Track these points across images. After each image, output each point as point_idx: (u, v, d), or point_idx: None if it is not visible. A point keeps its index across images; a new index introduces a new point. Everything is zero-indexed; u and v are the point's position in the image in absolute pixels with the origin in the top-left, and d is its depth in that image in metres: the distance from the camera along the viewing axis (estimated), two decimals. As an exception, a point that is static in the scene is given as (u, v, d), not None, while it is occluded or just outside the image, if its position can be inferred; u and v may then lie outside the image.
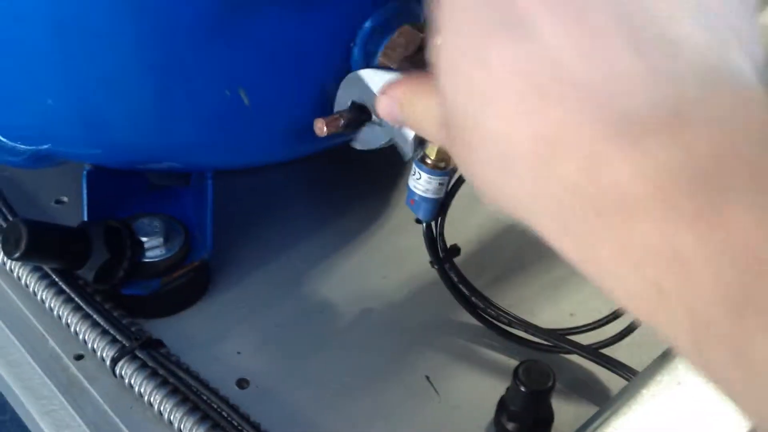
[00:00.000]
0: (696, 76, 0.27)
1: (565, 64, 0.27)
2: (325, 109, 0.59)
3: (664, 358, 0.57)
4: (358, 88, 0.53)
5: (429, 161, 0.62)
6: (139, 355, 0.61)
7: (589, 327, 0.66)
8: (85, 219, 0.66)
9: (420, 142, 0.52)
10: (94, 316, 0.63)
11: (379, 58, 0.59)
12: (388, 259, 0.74)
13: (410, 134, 0.52)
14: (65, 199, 0.76)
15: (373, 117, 0.53)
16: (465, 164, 0.32)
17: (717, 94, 0.27)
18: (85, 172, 0.66)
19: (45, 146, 0.62)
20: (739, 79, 0.27)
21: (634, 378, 0.58)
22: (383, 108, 0.43)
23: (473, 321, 0.69)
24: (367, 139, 0.56)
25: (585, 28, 0.27)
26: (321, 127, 0.52)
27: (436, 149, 0.62)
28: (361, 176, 0.81)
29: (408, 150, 0.53)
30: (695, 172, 0.25)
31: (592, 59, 0.27)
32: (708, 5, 0.28)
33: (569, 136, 0.27)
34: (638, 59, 0.27)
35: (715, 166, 0.25)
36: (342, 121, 0.52)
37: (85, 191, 0.66)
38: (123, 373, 0.61)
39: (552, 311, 0.70)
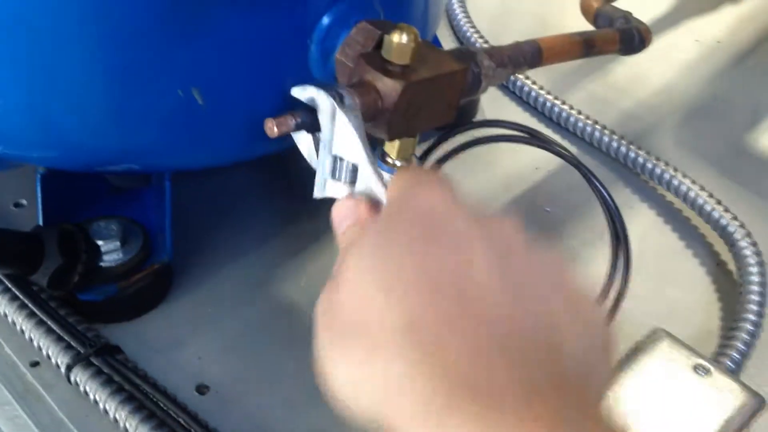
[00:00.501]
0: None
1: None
2: (283, 108, 0.57)
3: (629, 357, 0.56)
4: (308, 92, 0.52)
5: (389, 160, 0.61)
6: (95, 361, 0.59)
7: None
8: (40, 223, 0.65)
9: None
10: (49, 323, 0.61)
11: (337, 55, 0.58)
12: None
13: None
14: (24, 201, 0.75)
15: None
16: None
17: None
18: (38, 176, 0.65)
19: (-4, 149, 0.60)
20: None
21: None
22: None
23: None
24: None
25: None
26: (271, 128, 0.51)
27: (396, 147, 0.61)
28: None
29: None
30: None
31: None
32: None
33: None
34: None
35: None
36: (293, 122, 0.51)
37: (39, 195, 0.65)
38: (78, 380, 0.59)
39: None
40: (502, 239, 0.39)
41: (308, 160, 0.53)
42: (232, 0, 0.53)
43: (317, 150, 0.52)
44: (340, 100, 0.48)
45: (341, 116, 0.48)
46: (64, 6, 0.51)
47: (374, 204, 0.48)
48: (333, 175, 0.50)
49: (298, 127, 0.52)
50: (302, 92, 0.51)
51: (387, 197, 0.47)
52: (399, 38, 0.54)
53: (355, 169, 0.49)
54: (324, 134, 0.51)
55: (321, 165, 0.52)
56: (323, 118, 0.50)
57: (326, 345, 0.39)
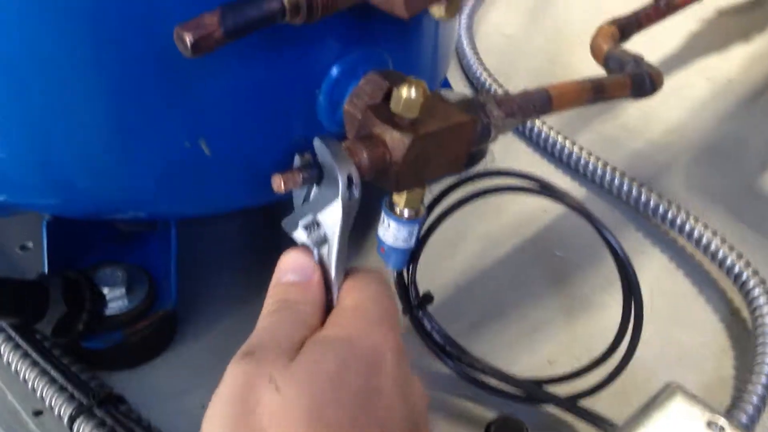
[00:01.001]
0: None
1: None
2: (290, 158, 0.57)
3: (642, 413, 0.55)
4: (325, 157, 0.51)
5: (397, 210, 0.61)
6: (98, 412, 0.59)
7: (566, 377, 0.64)
8: (45, 270, 0.64)
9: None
10: (52, 372, 0.61)
11: (345, 106, 0.58)
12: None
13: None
14: (30, 245, 0.74)
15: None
16: None
17: None
18: (44, 222, 0.64)
19: (0, 198, 0.60)
20: None
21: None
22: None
23: (447, 370, 0.67)
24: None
25: None
26: (279, 184, 0.50)
27: (404, 198, 0.60)
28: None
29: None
30: None
31: None
32: None
33: None
34: None
35: None
36: (300, 177, 0.50)
37: (45, 242, 0.65)
38: (81, 431, 0.59)
39: (530, 359, 0.68)
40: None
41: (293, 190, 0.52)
42: (241, 50, 0.53)
43: (308, 189, 0.51)
44: (348, 185, 0.47)
45: (339, 202, 0.47)
46: (70, 56, 0.51)
47: (326, 285, 0.47)
48: (305, 228, 0.49)
49: (305, 182, 0.51)
50: (319, 150, 0.50)
51: (339, 302, 0.47)
52: (407, 92, 0.54)
53: (324, 241, 0.49)
54: (318, 194, 0.50)
55: (300, 210, 0.51)
56: (325, 186, 0.49)
57: None
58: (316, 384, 0.41)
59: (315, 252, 0.49)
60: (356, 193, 0.48)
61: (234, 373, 0.43)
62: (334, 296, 0.48)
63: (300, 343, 0.44)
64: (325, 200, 0.48)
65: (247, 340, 0.46)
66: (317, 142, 0.50)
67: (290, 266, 0.48)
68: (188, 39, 0.41)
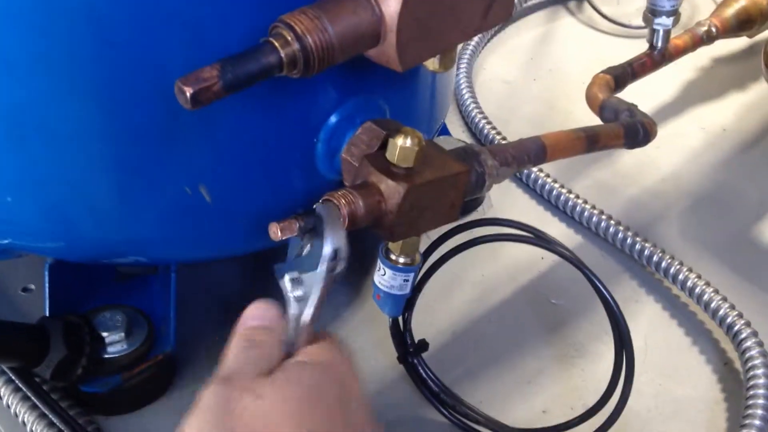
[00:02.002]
0: None
1: None
2: (288, 204, 0.58)
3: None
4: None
5: (393, 257, 0.62)
6: (94, 457, 0.59)
7: (559, 427, 0.64)
8: (47, 313, 0.65)
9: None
10: (50, 416, 0.62)
11: (342, 154, 0.59)
12: (359, 350, 0.73)
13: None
14: (32, 286, 0.75)
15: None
16: None
17: None
18: (47, 265, 0.65)
19: (5, 241, 0.61)
20: None
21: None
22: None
23: (442, 418, 0.67)
24: None
25: None
26: (275, 232, 0.51)
27: (400, 245, 0.61)
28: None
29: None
30: None
31: None
32: None
33: None
34: None
35: None
36: (297, 225, 0.52)
37: (46, 285, 0.65)
38: (77, 476, 0.59)
39: (524, 408, 0.69)
40: None
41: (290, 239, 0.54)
42: (241, 101, 0.54)
43: (303, 243, 0.53)
44: (333, 257, 0.48)
45: (322, 272, 0.49)
46: (73, 106, 0.52)
47: (286, 342, 0.48)
48: (290, 281, 0.50)
49: (302, 231, 0.52)
50: (318, 215, 0.51)
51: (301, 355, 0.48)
52: (403, 142, 0.55)
53: (303, 299, 0.50)
54: (308, 253, 0.51)
55: (290, 262, 0.52)
56: (316, 249, 0.50)
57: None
58: (297, 391, 0.43)
59: (292, 304, 0.49)
60: (340, 267, 0.49)
61: (212, 391, 0.44)
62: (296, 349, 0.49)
63: (269, 373, 0.45)
64: (312, 263, 0.49)
65: (216, 372, 0.47)
66: (319, 207, 0.52)
67: (256, 315, 0.50)
68: (188, 92, 0.43)
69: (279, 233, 0.52)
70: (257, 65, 0.44)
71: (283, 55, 0.45)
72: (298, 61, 0.45)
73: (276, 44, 0.44)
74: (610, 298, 0.60)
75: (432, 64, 0.53)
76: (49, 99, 0.52)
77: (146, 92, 0.51)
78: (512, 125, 0.99)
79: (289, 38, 0.45)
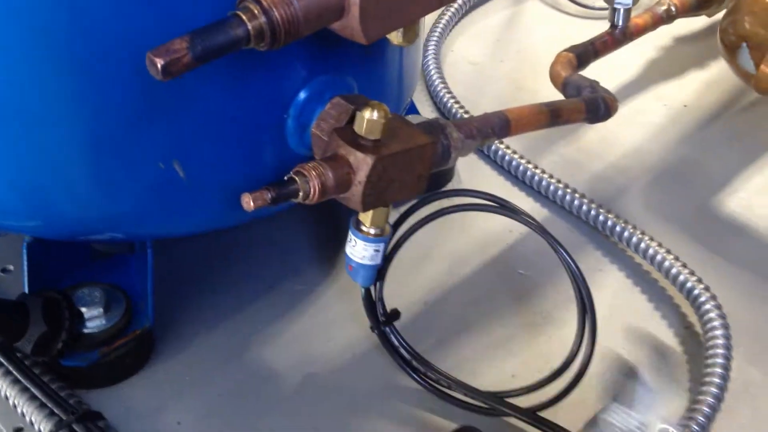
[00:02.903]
0: None
1: None
2: (260, 179, 0.60)
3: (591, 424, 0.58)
4: None
5: (364, 228, 0.64)
6: (76, 428, 0.61)
7: (527, 389, 0.66)
8: (26, 290, 0.67)
9: None
10: (32, 390, 0.63)
11: (312, 129, 0.61)
12: (333, 322, 0.75)
13: None
14: (11, 267, 0.76)
15: None
16: None
17: None
18: (25, 244, 0.67)
19: (-19, 220, 0.62)
20: None
21: (566, 441, 0.59)
22: None
23: (414, 384, 0.69)
24: None
25: None
26: (248, 202, 0.53)
27: (370, 217, 0.63)
28: (305, 242, 0.82)
29: None
30: None
31: None
32: None
33: None
34: None
35: None
36: (269, 196, 0.53)
37: (25, 263, 0.67)
38: (60, 446, 0.61)
39: (494, 373, 0.71)
40: None
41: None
42: (213, 78, 0.56)
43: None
44: None
45: None
46: (49, 85, 0.54)
47: None
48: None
49: (273, 201, 0.54)
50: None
51: None
52: (370, 114, 0.57)
53: None
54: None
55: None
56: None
57: None
58: None
59: None
60: None
61: None
62: None
63: None
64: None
65: None
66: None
67: None
68: (159, 63, 0.44)
69: (251, 203, 0.54)
70: (226, 37, 0.45)
71: (250, 27, 0.46)
72: (265, 34, 0.47)
73: (243, 17, 0.46)
74: (571, 262, 0.63)
75: (396, 37, 0.55)
76: (23, 78, 0.53)
77: (118, 68, 0.53)
78: (480, 105, 1.00)
79: (256, 11, 0.46)
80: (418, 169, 0.61)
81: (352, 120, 0.59)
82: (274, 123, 0.61)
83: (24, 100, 0.54)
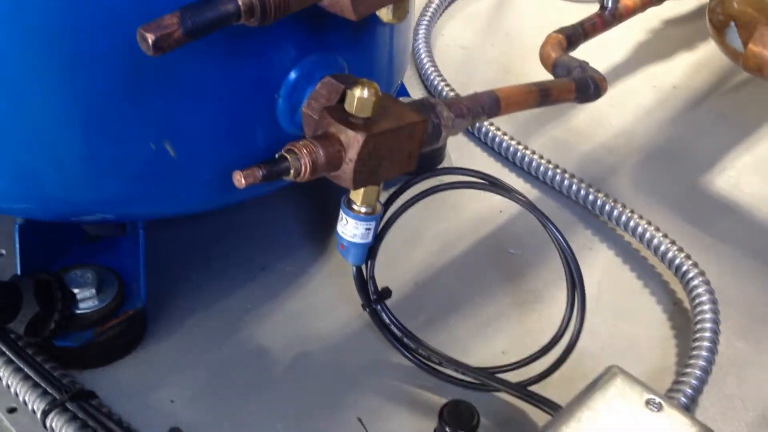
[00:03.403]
0: None
1: None
2: (251, 159, 0.60)
3: (584, 394, 0.58)
4: None
5: (355, 207, 0.64)
6: (70, 407, 0.61)
7: (516, 365, 0.67)
8: (18, 272, 0.67)
9: None
10: (26, 370, 0.63)
11: (303, 109, 0.61)
12: (325, 302, 0.75)
13: None
14: (3, 251, 0.76)
15: None
16: None
17: None
18: (17, 226, 0.67)
19: (-26, 203, 0.62)
20: None
21: (556, 414, 0.59)
22: None
23: (406, 361, 0.70)
24: None
25: None
26: (239, 179, 0.53)
27: (361, 195, 0.64)
28: (296, 223, 0.82)
29: None
30: None
31: None
32: None
33: None
34: None
35: None
36: (260, 173, 0.54)
37: (17, 245, 0.67)
38: (54, 425, 0.61)
39: (484, 350, 0.72)
40: None
41: None
42: (204, 58, 0.56)
43: None
44: None
45: None
46: (38, 64, 0.54)
47: None
48: None
49: (264, 178, 0.55)
50: None
51: None
52: (360, 93, 0.57)
53: None
54: None
55: None
56: None
57: None
58: None
59: None
60: None
61: None
62: None
63: None
64: None
65: None
66: None
67: None
68: (150, 38, 0.44)
69: (243, 180, 0.54)
70: (216, 12, 0.46)
71: (240, 3, 0.47)
72: (255, 9, 0.47)
73: (234, -8, 0.46)
74: (561, 238, 0.63)
75: (386, 14, 0.55)
76: (12, 56, 0.53)
77: (108, 46, 0.53)
78: (470, 89, 0.99)
79: (246, -14, 0.47)
80: (409, 147, 0.61)
81: (342, 99, 0.59)
82: (265, 103, 0.61)
83: (12, 78, 0.54)
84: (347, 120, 0.58)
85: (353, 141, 0.57)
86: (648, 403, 0.57)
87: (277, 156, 0.56)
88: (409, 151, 0.61)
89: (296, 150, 0.56)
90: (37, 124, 0.56)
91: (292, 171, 0.55)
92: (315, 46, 0.61)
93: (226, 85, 0.59)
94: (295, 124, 0.62)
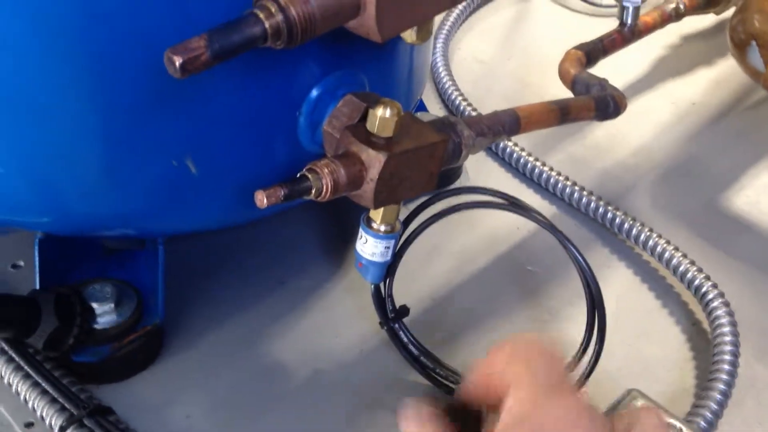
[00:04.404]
0: None
1: None
2: (271, 176, 0.60)
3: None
4: None
5: (374, 225, 0.64)
6: (87, 423, 0.61)
7: (535, 386, 0.67)
8: (37, 287, 0.67)
9: None
10: (44, 385, 0.63)
11: (324, 127, 0.61)
12: (342, 318, 0.75)
13: None
14: (21, 263, 0.77)
15: None
16: None
17: None
18: (36, 240, 0.67)
19: (-4, 215, 0.63)
20: None
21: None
22: None
23: (423, 380, 0.69)
24: None
25: None
26: (261, 199, 0.53)
27: (381, 214, 0.64)
28: (313, 238, 0.82)
29: None
30: None
31: None
32: None
33: None
34: None
35: None
36: (282, 193, 0.54)
37: (36, 259, 0.67)
38: (71, 441, 0.61)
39: (502, 369, 0.71)
40: None
41: None
42: (227, 75, 0.56)
43: None
44: None
45: None
46: (63, 80, 0.54)
47: None
48: None
49: (286, 198, 0.55)
50: None
51: None
52: (383, 112, 0.57)
53: None
54: None
55: None
56: None
57: None
58: None
59: None
60: None
61: None
62: None
63: None
64: None
65: None
66: None
67: None
68: (177, 61, 0.44)
69: (265, 201, 0.54)
70: (243, 36, 0.46)
71: (267, 26, 0.47)
72: (282, 32, 0.47)
73: (261, 15, 0.46)
74: (582, 260, 0.63)
75: (410, 36, 0.55)
76: (37, 70, 0.53)
77: (133, 64, 0.53)
78: (488, 103, 1.01)
79: (273, 10, 0.47)
80: (430, 167, 0.61)
81: (364, 118, 0.59)
82: (286, 120, 0.61)
83: (35, 92, 0.54)
84: (369, 139, 0.57)
85: (375, 161, 0.57)
86: (668, 428, 0.57)
87: (298, 175, 0.56)
88: (430, 170, 0.61)
89: (317, 169, 0.56)
90: (58, 138, 0.56)
91: (313, 190, 0.55)
92: (337, 64, 0.61)
93: (248, 102, 0.59)
94: (315, 141, 0.62)
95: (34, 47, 0.52)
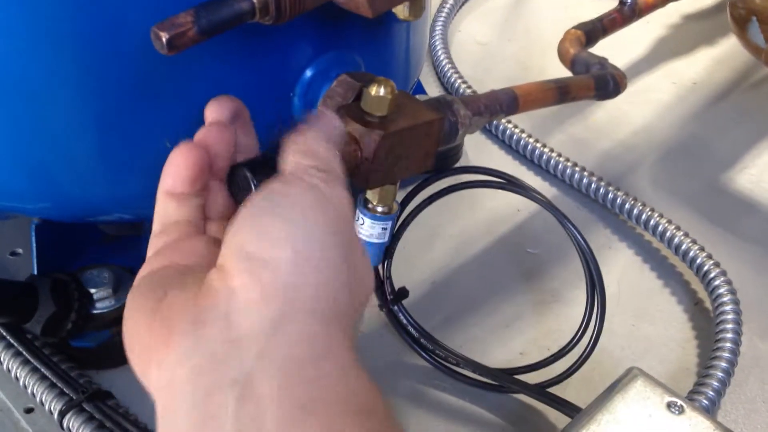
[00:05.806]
0: None
1: None
2: (267, 158, 0.60)
3: (604, 396, 0.57)
4: None
5: (371, 206, 0.63)
6: (86, 407, 0.61)
7: (534, 366, 0.66)
8: (35, 272, 0.67)
9: None
10: (43, 370, 0.63)
11: (319, 107, 0.61)
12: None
13: None
14: (20, 250, 0.77)
15: None
16: None
17: None
18: (33, 226, 0.67)
19: (-9, 202, 0.62)
20: None
21: (575, 416, 0.59)
22: None
23: (423, 362, 0.69)
24: None
25: None
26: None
27: (378, 194, 0.63)
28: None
29: None
30: None
31: None
32: None
33: None
34: None
35: None
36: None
37: (34, 245, 0.67)
38: (70, 426, 0.61)
39: (502, 350, 0.71)
40: None
41: None
42: (219, 55, 0.56)
43: None
44: None
45: None
46: (56, 63, 0.53)
47: None
48: None
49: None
50: None
51: None
52: (377, 91, 0.57)
53: None
54: None
55: None
56: None
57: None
58: None
59: None
60: None
61: None
62: None
63: None
64: None
65: None
66: None
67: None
68: (164, 37, 0.44)
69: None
70: (231, 11, 0.45)
71: (255, 1, 0.46)
72: (270, 7, 0.46)
73: (249, -10, 0.46)
74: (580, 237, 0.63)
75: (402, 11, 0.55)
76: (28, 55, 0.53)
77: (124, 46, 0.52)
78: (488, 85, 0.98)
79: (261, -16, 0.46)
80: (426, 146, 0.60)
81: (358, 97, 0.58)
82: (280, 102, 0.61)
83: (27, 77, 0.54)
84: (363, 119, 0.57)
85: (370, 139, 0.56)
86: (669, 405, 0.57)
87: (292, 155, 0.55)
88: (426, 149, 0.61)
89: (312, 149, 0.56)
90: (52, 122, 0.56)
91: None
92: (331, 44, 0.60)
93: (241, 82, 0.58)
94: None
95: (25, 32, 0.52)
